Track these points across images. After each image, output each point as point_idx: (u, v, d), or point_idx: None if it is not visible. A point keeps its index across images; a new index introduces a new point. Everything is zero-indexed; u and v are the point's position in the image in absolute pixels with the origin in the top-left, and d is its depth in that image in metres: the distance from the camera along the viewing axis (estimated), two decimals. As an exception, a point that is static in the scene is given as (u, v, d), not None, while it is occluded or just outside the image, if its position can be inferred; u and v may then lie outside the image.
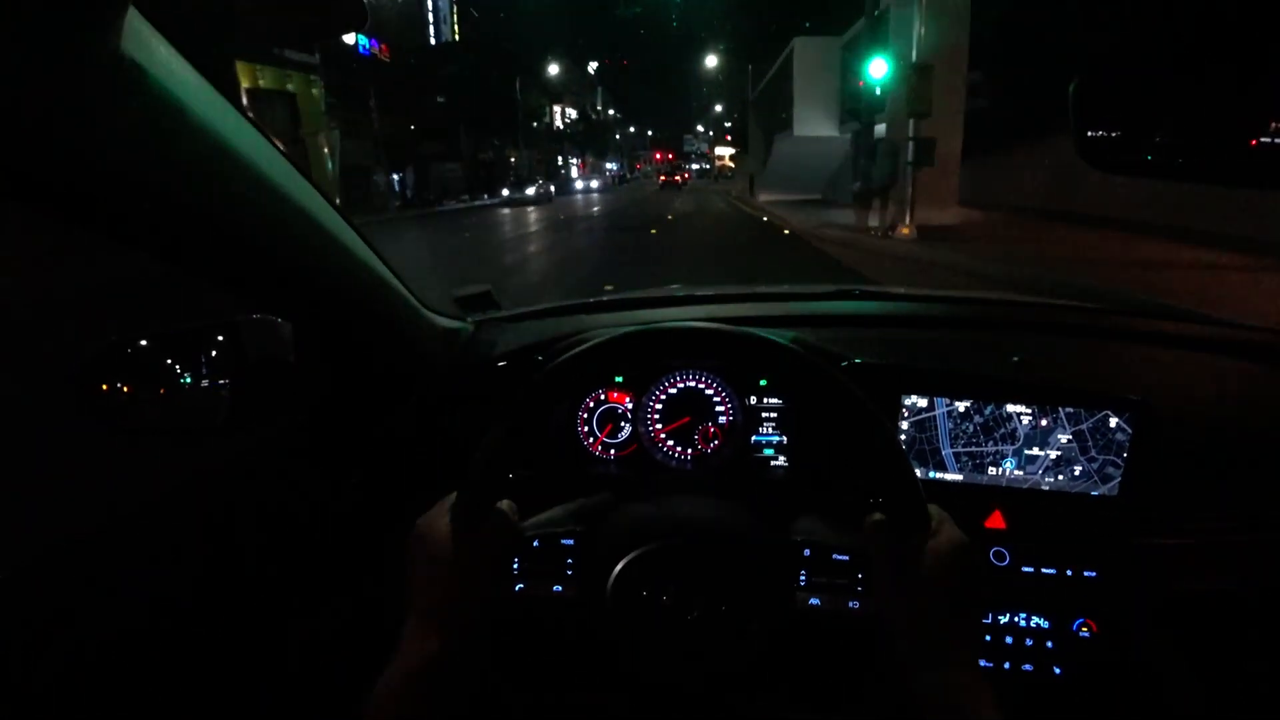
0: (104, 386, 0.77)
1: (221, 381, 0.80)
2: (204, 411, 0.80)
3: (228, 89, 0.55)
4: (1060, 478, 0.88)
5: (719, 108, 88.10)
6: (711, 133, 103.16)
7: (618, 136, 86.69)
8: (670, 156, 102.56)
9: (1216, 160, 0.36)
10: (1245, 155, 0.34)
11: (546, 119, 41.97)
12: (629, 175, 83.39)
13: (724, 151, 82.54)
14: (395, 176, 28.96)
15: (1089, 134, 0.38)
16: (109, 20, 0.42)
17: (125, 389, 0.78)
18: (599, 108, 69.42)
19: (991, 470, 0.90)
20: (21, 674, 0.55)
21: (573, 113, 47.82)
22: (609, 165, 75.14)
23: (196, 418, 0.80)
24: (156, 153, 0.49)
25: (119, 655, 0.62)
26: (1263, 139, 0.34)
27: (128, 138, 0.46)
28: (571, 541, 0.86)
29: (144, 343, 0.79)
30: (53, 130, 0.42)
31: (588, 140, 49.54)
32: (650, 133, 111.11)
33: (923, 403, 0.90)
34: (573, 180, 48.90)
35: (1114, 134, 0.38)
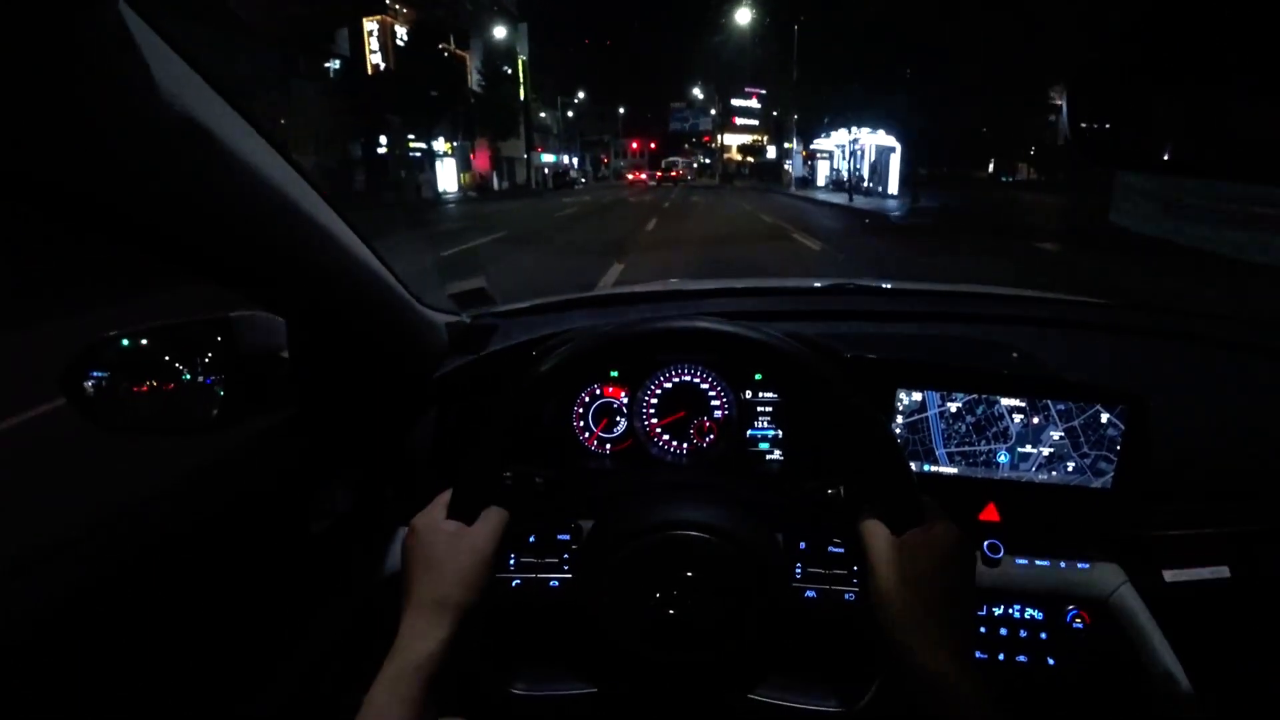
0: (94, 383, 0.76)
1: (214, 378, 0.80)
2: (196, 408, 0.79)
3: (221, 82, 0.54)
4: (1054, 474, 0.89)
5: (743, 18, 39.81)
6: (714, 110, 66.36)
7: (570, 114, 55.08)
8: (653, 146, 70.10)
9: (1205, 153, 0.37)
10: (1233, 149, 0.35)
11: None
12: (583, 178, 52.48)
13: (734, 141, 59.29)
14: None
15: (1082, 125, 0.39)
16: (99, 14, 0.41)
17: (116, 386, 0.78)
18: (523, 57, 38.29)
19: (985, 467, 0.91)
20: (18, 674, 0.54)
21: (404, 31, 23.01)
22: (550, 157, 46.23)
23: (188, 415, 0.80)
24: (148, 147, 0.48)
25: (111, 653, 0.61)
26: (1248, 133, 0.35)
27: (119, 132, 0.46)
28: (568, 536, 0.86)
29: (135, 338, 0.78)
30: (44, 127, 0.42)
31: (482, 108, 25.79)
32: (621, 110, 69.13)
33: (916, 400, 0.90)
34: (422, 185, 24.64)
35: (1106, 126, 0.39)
